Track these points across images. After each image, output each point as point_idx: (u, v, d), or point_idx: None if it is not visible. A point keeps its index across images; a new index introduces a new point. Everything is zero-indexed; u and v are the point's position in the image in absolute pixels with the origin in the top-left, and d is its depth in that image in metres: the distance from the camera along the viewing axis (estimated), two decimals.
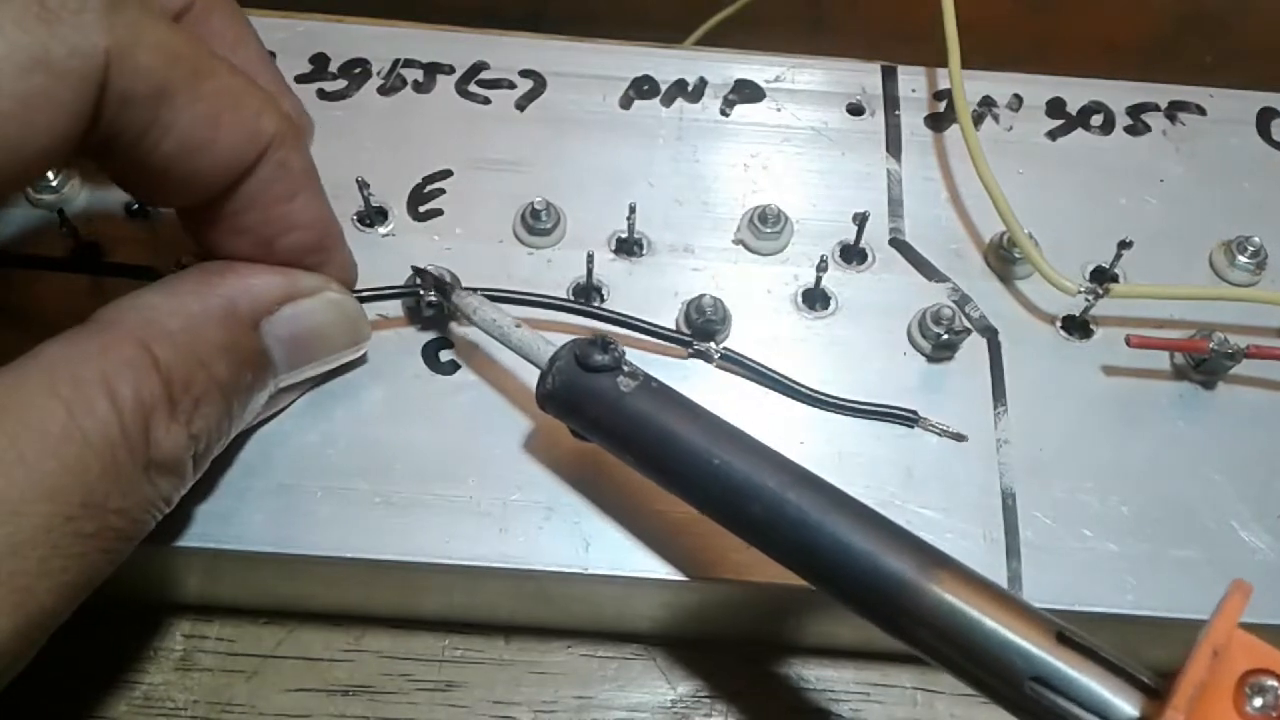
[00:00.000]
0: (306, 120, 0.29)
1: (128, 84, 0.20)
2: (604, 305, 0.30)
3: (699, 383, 0.29)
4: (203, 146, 0.22)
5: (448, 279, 0.29)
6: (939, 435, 0.28)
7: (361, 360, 0.28)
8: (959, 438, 0.28)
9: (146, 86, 0.21)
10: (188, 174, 0.22)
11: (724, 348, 0.29)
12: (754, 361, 0.29)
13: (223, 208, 0.24)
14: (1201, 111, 0.35)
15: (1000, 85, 0.35)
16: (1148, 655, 0.29)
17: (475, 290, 0.28)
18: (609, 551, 0.26)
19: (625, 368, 0.24)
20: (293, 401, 0.28)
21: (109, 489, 0.20)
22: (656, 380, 0.24)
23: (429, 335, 0.29)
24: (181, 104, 0.21)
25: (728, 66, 0.35)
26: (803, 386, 0.29)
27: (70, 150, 0.20)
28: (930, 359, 0.29)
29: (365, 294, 0.28)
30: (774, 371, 0.29)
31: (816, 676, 0.30)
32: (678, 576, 0.26)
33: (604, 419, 0.24)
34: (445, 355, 0.29)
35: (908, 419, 0.28)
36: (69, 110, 0.20)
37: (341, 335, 0.27)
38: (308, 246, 0.25)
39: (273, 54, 0.33)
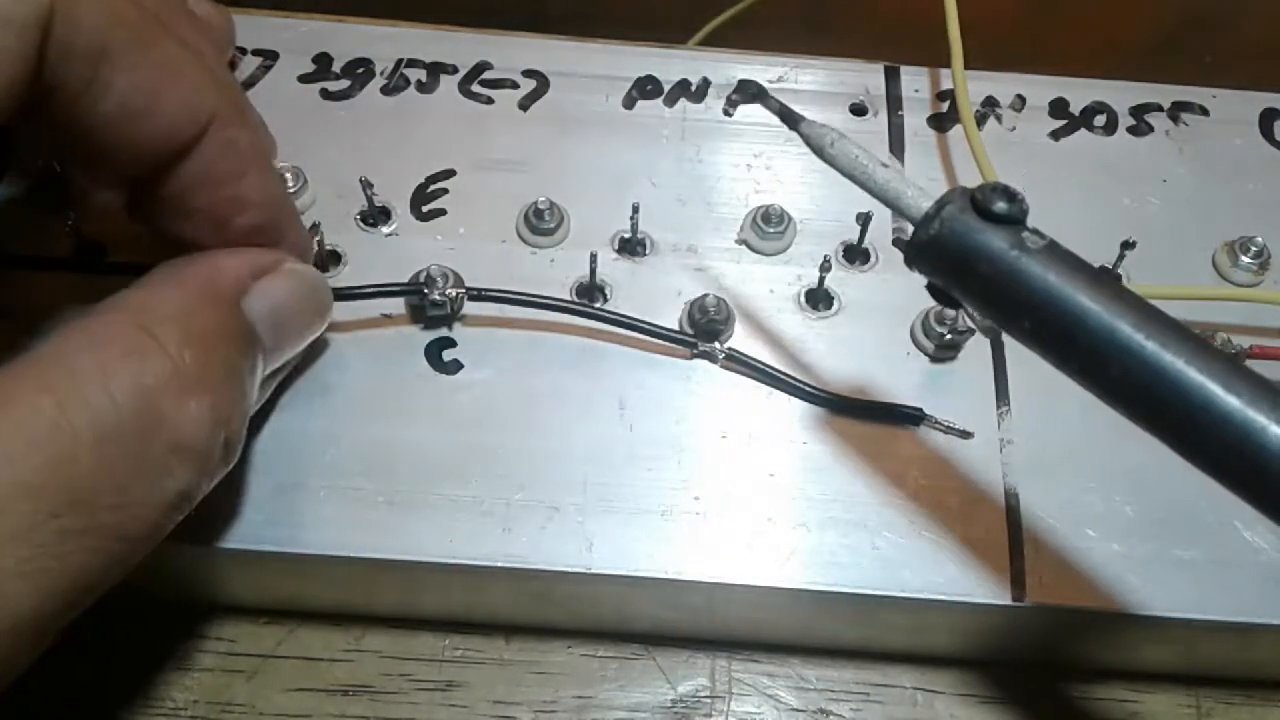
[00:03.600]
0: (270, 140, 0.28)
1: (69, 35, 0.20)
2: (607, 305, 0.30)
3: (703, 382, 0.29)
4: (141, 113, 0.22)
5: (450, 279, 0.29)
6: (945, 433, 0.28)
7: (357, 357, 0.28)
8: (965, 435, 0.28)
9: (87, 42, 0.20)
10: (126, 141, 0.22)
11: (729, 348, 0.29)
12: (759, 362, 0.29)
13: (170, 187, 0.23)
14: (1204, 112, 0.35)
15: (1003, 85, 0.35)
16: (1150, 656, 0.29)
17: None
18: (612, 551, 0.26)
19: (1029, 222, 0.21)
20: (270, 394, 0.27)
21: (101, 485, 0.19)
22: (1060, 244, 0.21)
23: (432, 334, 0.29)
24: (122, 66, 0.21)
25: (731, 67, 0.35)
26: (809, 386, 0.28)
27: (17, 102, 0.20)
28: (933, 359, 0.29)
29: (369, 291, 0.28)
30: (780, 371, 0.29)
31: (817, 676, 0.30)
32: (681, 576, 0.26)
33: (999, 279, 0.21)
34: (449, 354, 0.29)
35: (914, 418, 0.28)
36: (16, 57, 0.19)
37: (311, 306, 0.26)
38: (260, 227, 0.25)
39: (275, 54, 0.34)
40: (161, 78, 0.22)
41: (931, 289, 0.23)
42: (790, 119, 0.25)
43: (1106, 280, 0.20)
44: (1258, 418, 0.18)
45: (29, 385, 0.19)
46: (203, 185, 0.24)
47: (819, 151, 0.24)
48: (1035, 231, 0.21)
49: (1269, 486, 0.19)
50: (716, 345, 0.29)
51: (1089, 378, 0.20)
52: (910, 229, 0.31)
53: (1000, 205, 0.21)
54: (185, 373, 0.21)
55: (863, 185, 0.23)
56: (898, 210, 0.22)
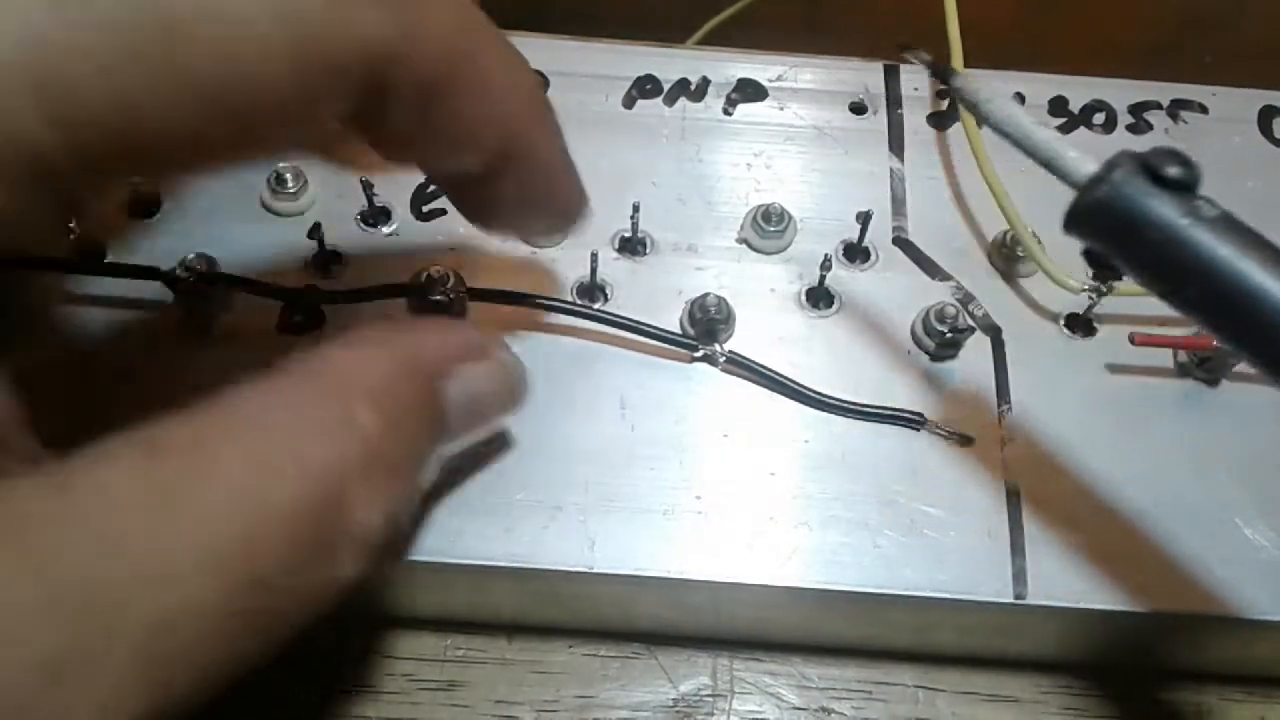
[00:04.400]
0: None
1: (404, 76, 0.19)
2: (608, 305, 0.30)
3: (704, 382, 0.29)
4: (460, 135, 0.21)
5: (450, 280, 0.29)
6: (945, 438, 0.28)
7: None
8: (965, 440, 0.28)
9: (424, 77, 0.20)
10: (437, 156, 0.22)
11: (730, 351, 0.29)
12: (760, 365, 0.29)
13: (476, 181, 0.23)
14: (1204, 110, 0.35)
15: (1002, 84, 0.35)
16: (1152, 652, 0.29)
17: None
18: (614, 551, 0.26)
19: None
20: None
21: (280, 566, 0.18)
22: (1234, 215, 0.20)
23: None
24: (450, 94, 0.20)
25: (730, 66, 0.35)
26: (810, 390, 0.28)
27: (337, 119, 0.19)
28: (934, 357, 0.29)
29: (369, 292, 0.28)
30: (780, 375, 0.29)
31: (819, 675, 0.30)
32: (683, 576, 0.26)
33: (1168, 246, 0.20)
34: None
35: (914, 422, 0.28)
36: (336, 99, 0.19)
37: (507, 401, 0.25)
38: (561, 216, 0.25)
39: None
40: (481, 102, 0.21)
41: (1088, 254, 0.22)
42: (941, 74, 0.24)
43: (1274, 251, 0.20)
44: None
45: (224, 446, 0.18)
46: (508, 194, 0.23)
47: (972, 108, 0.23)
48: (1208, 200, 0.20)
49: None
50: (717, 348, 0.29)
51: (1256, 353, 0.20)
52: (909, 225, 0.32)
53: (1173, 170, 0.20)
54: (376, 460, 0.19)
55: (1018, 145, 0.22)
56: (1057, 172, 0.21)
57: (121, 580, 0.16)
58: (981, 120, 0.22)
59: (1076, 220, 0.21)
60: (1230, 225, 0.20)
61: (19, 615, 0.15)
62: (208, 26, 0.16)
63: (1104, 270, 0.22)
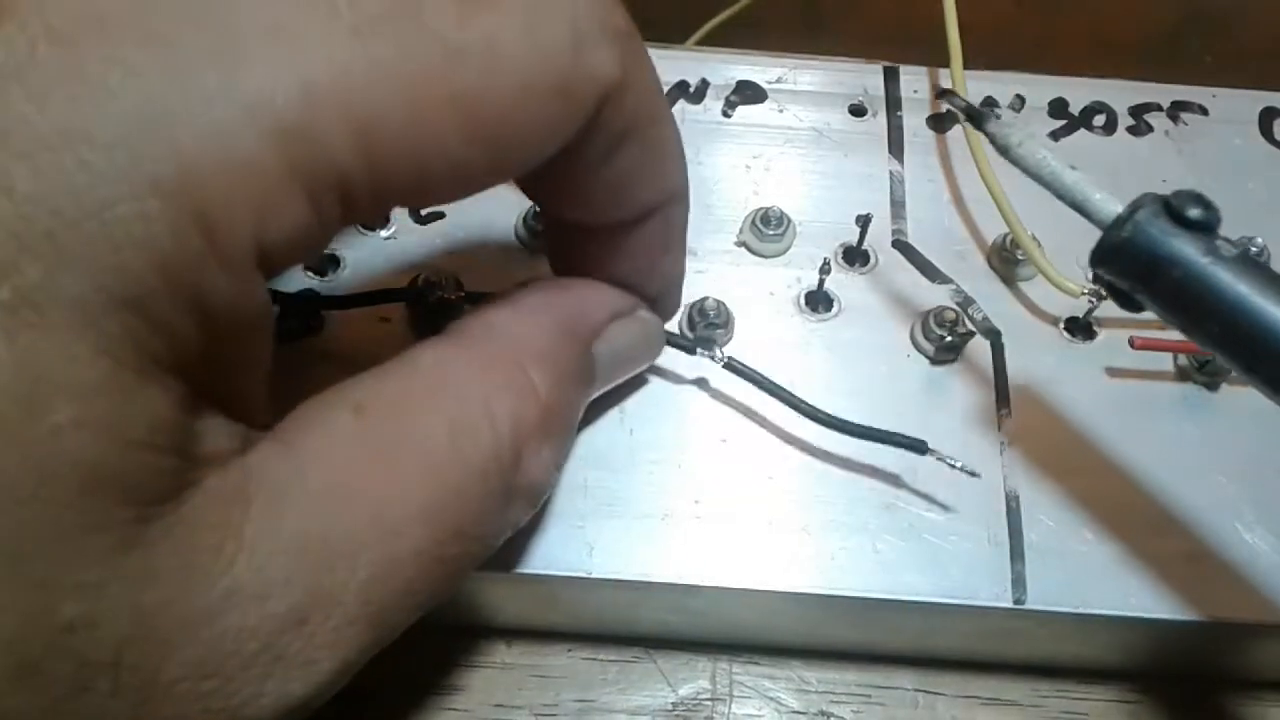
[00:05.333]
0: None
1: (612, 117, 0.20)
2: None
3: (704, 386, 0.29)
4: (624, 186, 0.22)
5: (449, 283, 0.28)
6: (949, 468, 0.27)
7: None
8: (971, 474, 0.27)
9: (623, 123, 0.20)
10: (596, 204, 0.22)
11: (729, 357, 0.29)
12: (759, 374, 0.28)
13: (608, 240, 0.24)
14: (1204, 111, 0.34)
15: (1002, 86, 0.35)
16: (1152, 656, 0.29)
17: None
18: (613, 556, 0.26)
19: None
20: None
21: (476, 515, 0.20)
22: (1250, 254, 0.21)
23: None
24: (633, 143, 0.21)
25: (729, 67, 0.35)
26: (809, 405, 0.27)
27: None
28: (933, 361, 0.29)
29: (368, 295, 0.28)
30: (780, 387, 0.28)
31: (818, 678, 0.30)
32: (681, 581, 0.26)
33: (1190, 284, 0.21)
34: None
35: (916, 448, 0.27)
36: (566, 134, 0.19)
37: (647, 353, 0.27)
38: (661, 292, 0.26)
39: None
40: (652, 158, 0.22)
41: (1111, 289, 0.23)
42: (976, 118, 0.24)
43: None
44: None
45: (423, 404, 0.19)
46: (633, 251, 0.24)
47: (1004, 151, 0.23)
48: (1227, 240, 0.21)
49: None
50: (717, 352, 0.29)
51: (1273, 386, 0.21)
52: (909, 228, 0.32)
53: (1194, 212, 0.21)
54: (548, 417, 0.21)
55: (1049, 186, 0.23)
56: (1085, 213, 0.22)
57: (350, 533, 0.18)
58: (1014, 163, 0.23)
59: (1102, 258, 0.22)
60: (1248, 264, 0.21)
61: (270, 569, 0.17)
62: (482, 58, 0.17)
63: (1127, 305, 0.23)
